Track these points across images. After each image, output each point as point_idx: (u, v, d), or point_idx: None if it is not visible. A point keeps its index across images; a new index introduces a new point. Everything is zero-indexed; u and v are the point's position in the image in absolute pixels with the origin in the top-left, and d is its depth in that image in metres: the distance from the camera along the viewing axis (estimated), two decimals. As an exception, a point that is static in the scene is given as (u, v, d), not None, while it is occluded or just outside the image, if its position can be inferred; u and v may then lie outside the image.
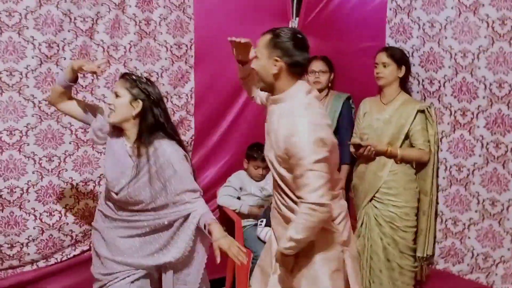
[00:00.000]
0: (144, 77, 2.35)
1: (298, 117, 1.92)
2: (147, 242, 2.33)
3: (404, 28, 3.07)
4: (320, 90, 3.37)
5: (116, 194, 2.28)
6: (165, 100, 3.06)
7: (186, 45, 3.23)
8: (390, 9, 3.15)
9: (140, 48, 3.06)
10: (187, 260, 2.34)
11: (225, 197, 3.43)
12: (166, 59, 3.17)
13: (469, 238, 2.85)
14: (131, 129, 2.26)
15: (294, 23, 3.62)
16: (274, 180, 2.13)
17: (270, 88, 2.05)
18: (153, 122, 2.24)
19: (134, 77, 2.26)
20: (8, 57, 2.66)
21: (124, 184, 2.26)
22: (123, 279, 2.31)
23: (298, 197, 1.93)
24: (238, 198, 3.46)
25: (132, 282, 2.31)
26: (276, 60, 1.97)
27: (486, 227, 2.78)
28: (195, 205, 2.26)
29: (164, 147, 2.24)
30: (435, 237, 2.98)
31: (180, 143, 2.32)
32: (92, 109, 2.35)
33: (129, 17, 2.99)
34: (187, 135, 3.31)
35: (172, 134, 2.30)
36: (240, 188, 3.48)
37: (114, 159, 2.31)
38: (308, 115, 1.94)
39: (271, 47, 1.97)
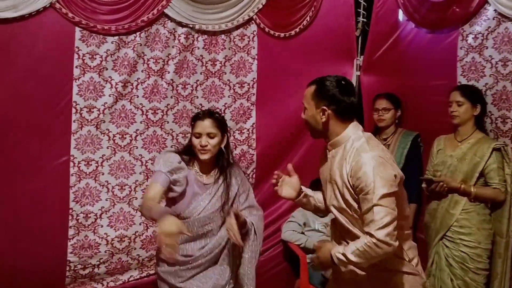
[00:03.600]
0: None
1: (363, 153, 1.90)
2: None
3: (476, 66, 3.06)
4: (385, 128, 3.37)
5: None
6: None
7: (249, 84, 3.41)
8: (461, 48, 3.16)
9: (205, 87, 3.28)
10: None
11: (289, 232, 3.45)
12: (229, 96, 3.36)
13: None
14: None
15: (359, 61, 3.67)
16: (342, 230, 2.07)
17: (322, 135, 2.05)
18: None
19: (219, 116, 2.48)
20: (88, 95, 2.99)
21: None
22: None
23: (366, 232, 1.88)
24: (302, 233, 3.47)
25: None
26: (324, 110, 1.98)
27: None
28: None
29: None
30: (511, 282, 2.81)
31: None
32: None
33: (196, 58, 3.23)
34: (249, 168, 3.44)
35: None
36: (304, 224, 3.49)
37: None
38: (371, 150, 1.91)
39: (318, 97, 1.99)
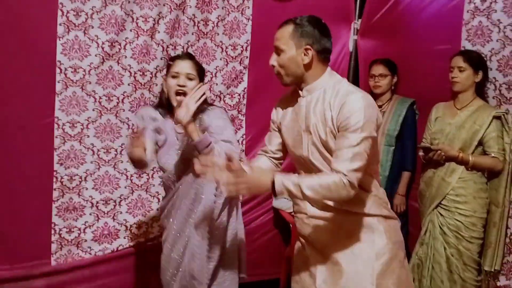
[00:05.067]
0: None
1: (351, 94, 1.82)
2: None
3: (482, 30, 2.98)
4: (380, 94, 3.33)
5: None
6: (217, 99, 3.14)
7: (242, 46, 3.28)
8: (468, 11, 3.06)
9: (196, 48, 3.15)
10: None
11: (280, 199, 3.39)
12: (221, 59, 3.24)
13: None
14: None
15: (356, 24, 3.56)
16: None
17: (298, 81, 1.93)
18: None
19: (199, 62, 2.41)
20: (73, 54, 2.85)
21: None
22: None
23: (334, 170, 1.79)
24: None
25: None
26: (307, 49, 1.86)
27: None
28: None
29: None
30: (504, 251, 2.83)
31: None
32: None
33: (188, 18, 3.08)
34: (237, 134, 3.35)
35: None
36: (296, 191, 3.45)
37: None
38: (358, 91, 1.85)
39: (298, 37, 1.87)
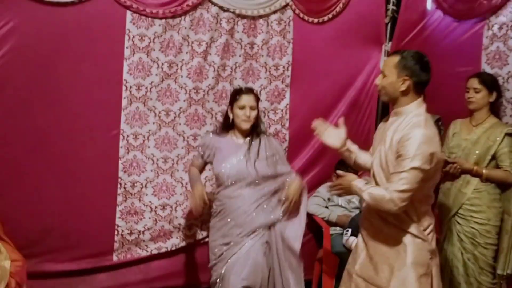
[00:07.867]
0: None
1: (416, 127, 2.17)
2: None
3: (500, 55, 3.29)
4: (407, 112, 3.56)
5: None
6: (262, 114, 3.49)
7: (284, 67, 3.59)
8: (487, 37, 3.39)
9: (243, 69, 3.48)
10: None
11: (314, 206, 3.70)
12: (265, 78, 3.56)
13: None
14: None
15: (387, 47, 3.84)
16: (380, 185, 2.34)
17: (393, 101, 2.32)
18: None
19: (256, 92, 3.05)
20: (137, 74, 3.20)
21: None
22: None
23: (386, 187, 2.20)
24: (326, 207, 3.73)
25: None
26: (405, 80, 2.23)
27: None
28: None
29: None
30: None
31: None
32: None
33: (236, 42, 3.42)
34: (282, 146, 3.62)
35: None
36: (328, 199, 3.74)
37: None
38: (425, 127, 2.17)
39: (401, 68, 2.24)
